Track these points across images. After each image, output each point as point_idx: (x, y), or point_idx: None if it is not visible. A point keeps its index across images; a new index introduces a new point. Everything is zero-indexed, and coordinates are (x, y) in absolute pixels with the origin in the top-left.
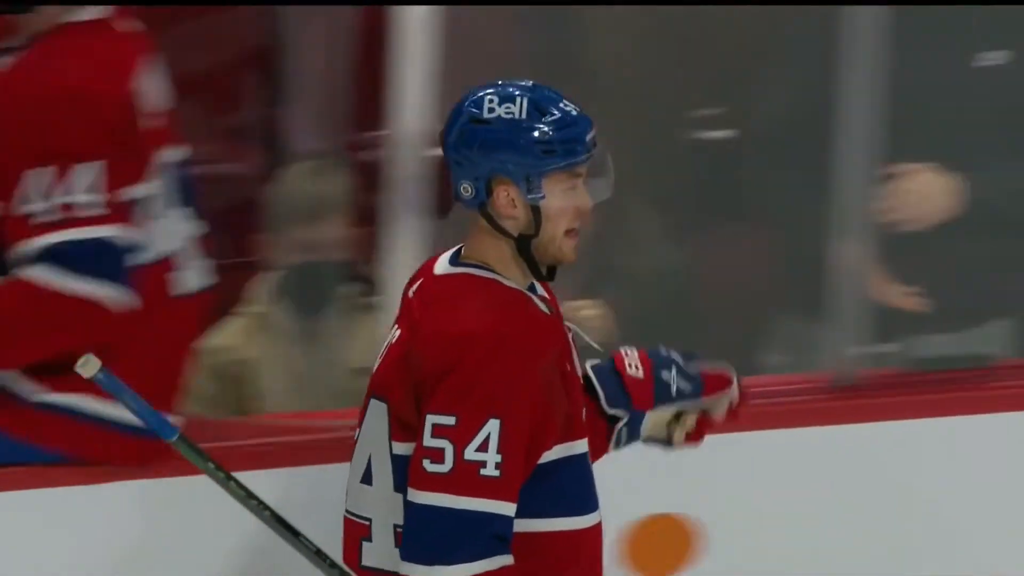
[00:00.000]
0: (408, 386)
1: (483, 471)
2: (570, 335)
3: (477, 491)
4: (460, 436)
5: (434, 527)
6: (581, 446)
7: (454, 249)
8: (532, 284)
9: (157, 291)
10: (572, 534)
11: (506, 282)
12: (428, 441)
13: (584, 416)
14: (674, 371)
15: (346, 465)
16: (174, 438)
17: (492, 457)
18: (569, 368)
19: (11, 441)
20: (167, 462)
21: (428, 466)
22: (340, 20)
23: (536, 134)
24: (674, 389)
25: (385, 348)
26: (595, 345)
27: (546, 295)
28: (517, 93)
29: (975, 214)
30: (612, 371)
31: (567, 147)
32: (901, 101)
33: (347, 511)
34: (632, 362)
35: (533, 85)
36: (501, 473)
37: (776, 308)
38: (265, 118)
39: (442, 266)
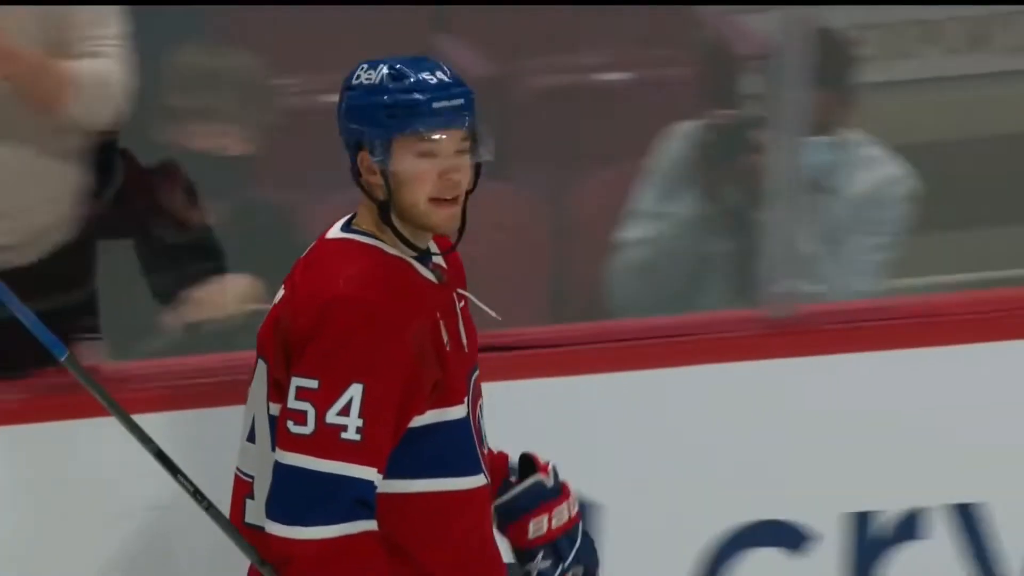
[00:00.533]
0: (280, 347)
1: (344, 435)
2: (460, 304)
3: (337, 454)
4: (322, 399)
5: (295, 488)
6: (457, 412)
7: (349, 216)
8: (427, 252)
9: None
10: (444, 495)
11: (388, 249)
12: (292, 403)
13: (471, 390)
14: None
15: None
16: (64, 357)
17: (353, 421)
18: (447, 337)
19: None
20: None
21: (292, 427)
22: None
23: (381, 98)
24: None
25: (271, 308)
26: (492, 314)
27: (443, 264)
28: (384, 62)
29: None
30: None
31: (410, 111)
32: None
33: (236, 468)
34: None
35: (411, 58)
36: (362, 437)
37: None
38: None
39: (333, 231)
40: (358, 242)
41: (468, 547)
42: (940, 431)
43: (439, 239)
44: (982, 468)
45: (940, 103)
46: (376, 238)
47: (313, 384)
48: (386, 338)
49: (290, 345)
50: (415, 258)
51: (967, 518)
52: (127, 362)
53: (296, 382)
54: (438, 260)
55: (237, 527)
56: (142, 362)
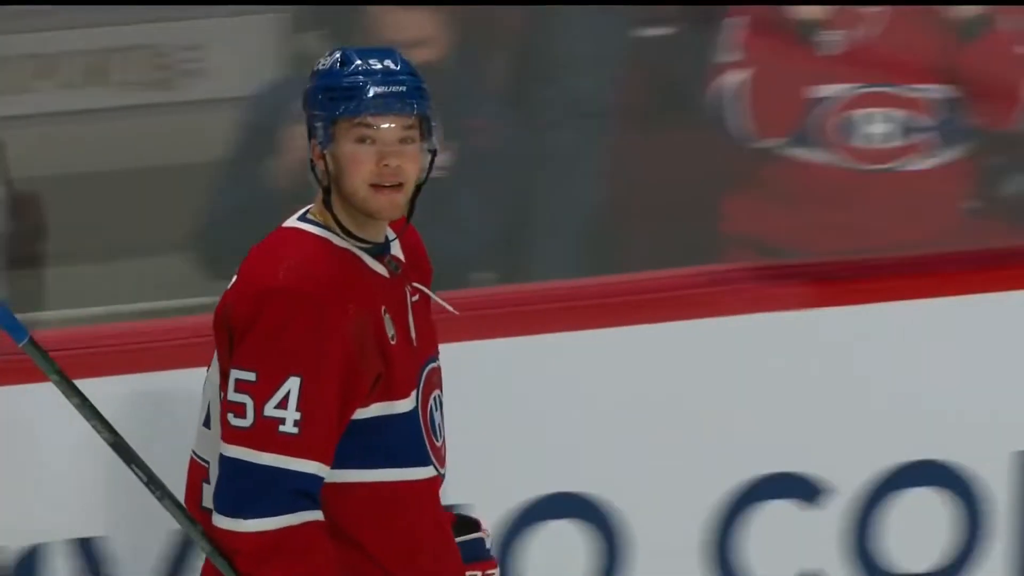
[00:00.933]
0: (225, 334)
1: (282, 428)
2: (414, 298)
3: (276, 447)
4: (259, 392)
5: (237, 480)
6: (404, 405)
7: (310, 206)
8: (386, 243)
9: None
10: (391, 485)
11: (339, 241)
12: (232, 395)
13: (421, 383)
14: None
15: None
16: (24, 341)
17: (291, 415)
18: (394, 330)
19: None
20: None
21: (232, 420)
22: None
23: (327, 81)
24: None
25: (223, 294)
26: (449, 308)
27: (401, 257)
28: (341, 49)
29: None
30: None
31: (348, 94)
32: None
33: (192, 451)
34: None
35: (374, 47)
36: (300, 431)
37: None
38: None
39: (290, 220)
40: (307, 232)
41: (417, 536)
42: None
43: (397, 228)
44: (100, 504)
45: (58, 138)
46: (328, 228)
47: (251, 376)
48: (322, 331)
49: (233, 333)
50: (366, 249)
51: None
52: None
53: (235, 374)
54: (397, 253)
55: (193, 511)
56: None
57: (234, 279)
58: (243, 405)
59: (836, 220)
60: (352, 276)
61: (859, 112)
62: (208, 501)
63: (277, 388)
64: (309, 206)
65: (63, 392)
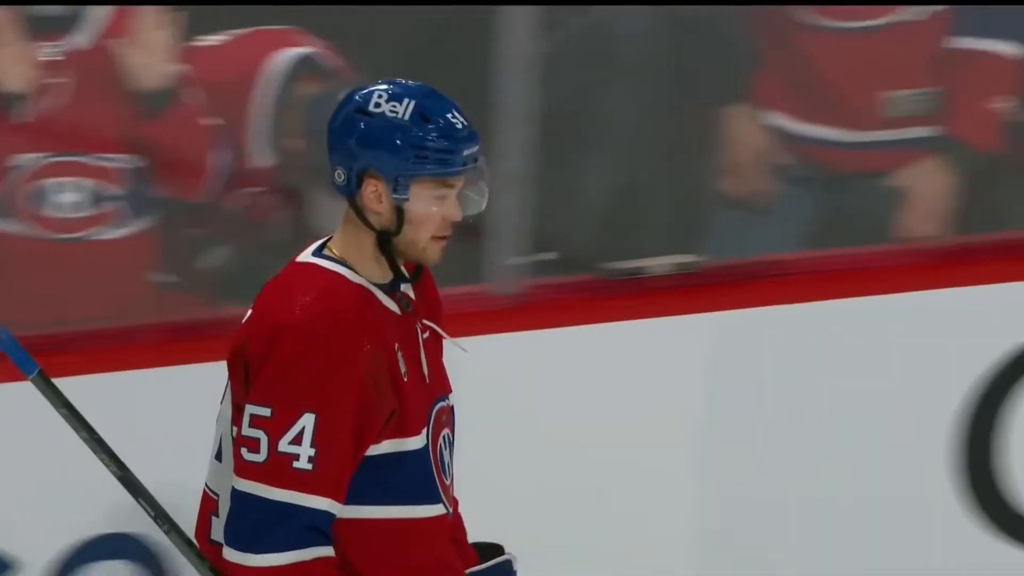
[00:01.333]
0: (241, 369)
1: (296, 464)
2: (425, 335)
3: (289, 483)
4: (274, 428)
5: (249, 515)
6: (415, 443)
7: (325, 239)
8: (397, 280)
9: None
10: (401, 522)
11: (354, 277)
12: (245, 430)
13: (431, 420)
14: None
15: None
16: (33, 375)
17: (305, 451)
18: (405, 367)
19: None
20: None
21: (245, 455)
22: None
23: (412, 138)
24: None
25: (239, 329)
26: (461, 347)
27: (411, 294)
28: (407, 95)
29: None
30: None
31: (440, 156)
32: None
33: (205, 484)
34: None
35: (428, 90)
36: (314, 467)
37: None
38: None
39: (304, 255)
40: (322, 268)
41: (426, 574)
42: None
43: (408, 267)
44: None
45: None
46: (345, 264)
47: (266, 412)
48: (337, 367)
49: (248, 368)
50: (380, 287)
51: None
52: None
53: (250, 409)
54: (406, 289)
55: (202, 544)
56: None
57: (248, 313)
58: (257, 440)
59: (30, 292)
60: (366, 312)
61: (49, 181)
62: (217, 534)
63: (292, 424)
64: (323, 239)
65: (72, 426)
